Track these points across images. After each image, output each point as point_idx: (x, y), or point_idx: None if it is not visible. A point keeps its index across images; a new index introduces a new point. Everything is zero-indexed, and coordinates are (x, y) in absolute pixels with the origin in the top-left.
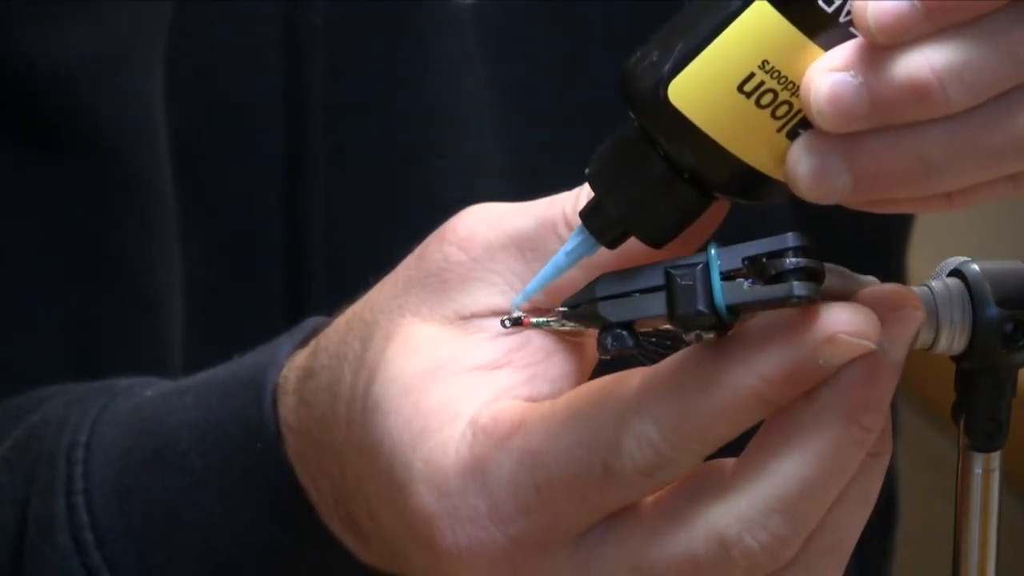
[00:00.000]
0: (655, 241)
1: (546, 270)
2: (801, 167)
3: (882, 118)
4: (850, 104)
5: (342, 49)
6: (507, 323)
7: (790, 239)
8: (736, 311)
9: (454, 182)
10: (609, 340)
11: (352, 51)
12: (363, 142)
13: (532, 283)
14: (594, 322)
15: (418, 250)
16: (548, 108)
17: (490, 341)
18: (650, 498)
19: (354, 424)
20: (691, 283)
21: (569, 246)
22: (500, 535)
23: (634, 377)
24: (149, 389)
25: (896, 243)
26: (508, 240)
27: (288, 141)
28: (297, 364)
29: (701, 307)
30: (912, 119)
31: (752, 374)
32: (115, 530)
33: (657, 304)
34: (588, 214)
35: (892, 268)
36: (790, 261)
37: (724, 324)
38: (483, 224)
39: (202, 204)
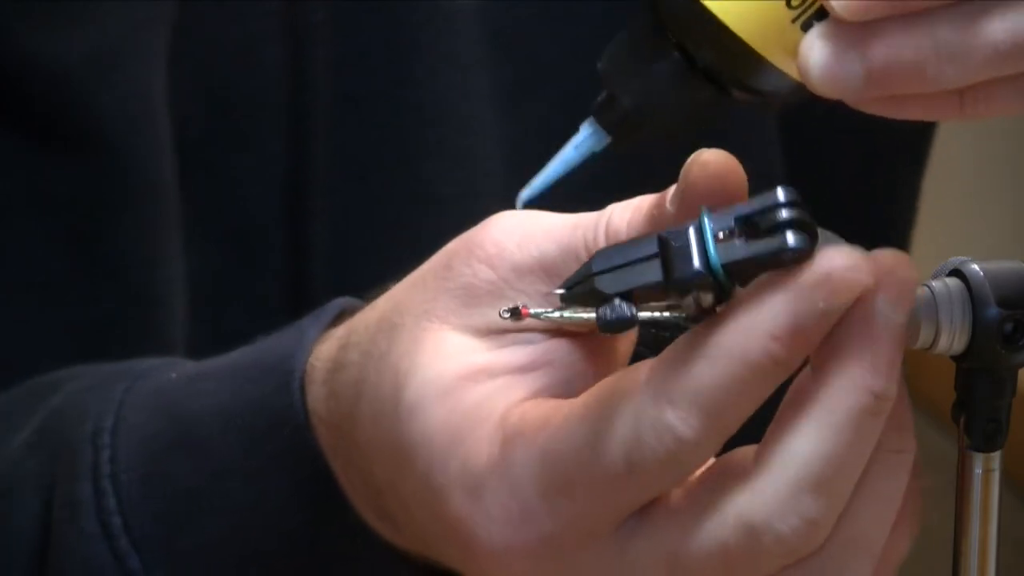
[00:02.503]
0: (667, 134)
1: (555, 165)
2: (814, 57)
3: (898, 3)
4: None
5: (342, 46)
6: (505, 313)
7: (780, 194)
8: (732, 271)
9: (454, 180)
10: (608, 311)
11: (352, 48)
12: (363, 139)
13: (540, 178)
14: (592, 299)
15: (445, 260)
16: (549, 107)
17: (526, 347)
18: (679, 490)
19: (381, 427)
20: (685, 244)
21: (579, 139)
22: (533, 535)
23: (643, 367)
24: (172, 371)
25: (896, 241)
26: (535, 264)
27: (290, 138)
28: (327, 355)
29: (697, 267)
30: (928, 5)
31: (757, 334)
32: (142, 515)
33: (653, 271)
34: (599, 108)
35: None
36: (782, 214)
37: (721, 286)
38: (511, 243)
39: (204, 201)
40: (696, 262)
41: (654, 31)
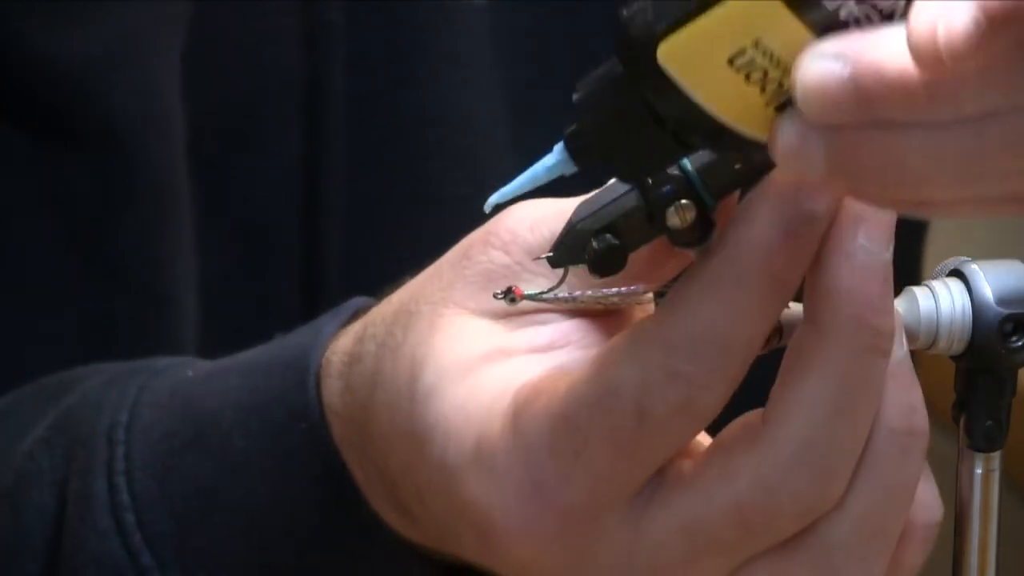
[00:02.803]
0: (630, 176)
1: (524, 178)
2: (780, 139)
3: (867, 113)
4: (836, 95)
5: (352, 45)
6: (499, 294)
7: None
8: (709, 181)
9: (459, 180)
10: (594, 244)
11: (361, 48)
12: (372, 139)
13: (510, 187)
14: (580, 251)
15: (461, 251)
16: (560, 108)
17: (544, 327)
18: (689, 460)
19: (398, 414)
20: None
21: (550, 162)
22: (548, 507)
23: (646, 319)
24: (189, 369)
25: (913, 233)
26: (547, 245)
27: (303, 137)
28: (343, 349)
29: (671, 178)
30: (898, 120)
31: (751, 250)
32: (156, 511)
33: (632, 199)
34: (571, 136)
35: (907, 259)
36: None
37: (700, 196)
38: (523, 228)
39: (218, 200)
40: (670, 174)
41: (626, 84)
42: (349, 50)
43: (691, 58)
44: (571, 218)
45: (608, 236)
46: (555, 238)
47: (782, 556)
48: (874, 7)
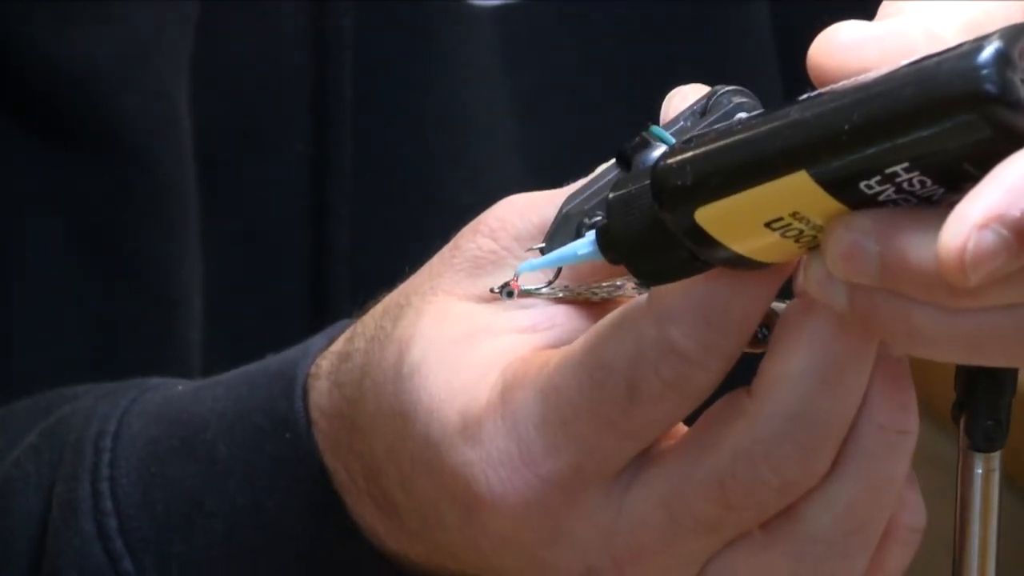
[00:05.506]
0: (648, 282)
1: (556, 255)
2: (809, 275)
3: (888, 286)
4: (862, 267)
5: (366, 51)
6: (496, 289)
7: (721, 87)
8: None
9: (472, 187)
10: (586, 222)
11: (375, 53)
12: (384, 145)
13: (541, 260)
14: (572, 234)
15: (452, 241)
16: (566, 114)
17: (530, 310)
18: (673, 441)
19: (383, 396)
20: (640, 143)
21: (582, 250)
22: (533, 476)
23: (639, 298)
24: (180, 384)
25: None
26: (535, 230)
27: (312, 142)
28: (332, 350)
29: (656, 152)
30: (915, 297)
31: None
32: (138, 517)
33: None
34: (602, 231)
35: None
36: (725, 90)
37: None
38: (513, 214)
39: (226, 203)
40: (654, 149)
41: (657, 215)
42: (357, 55)
43: (728, 222)
44: (561, 208)
45: (599, 214)
46: (544, 223)
47: (763, 546)
48: (912, 194)
